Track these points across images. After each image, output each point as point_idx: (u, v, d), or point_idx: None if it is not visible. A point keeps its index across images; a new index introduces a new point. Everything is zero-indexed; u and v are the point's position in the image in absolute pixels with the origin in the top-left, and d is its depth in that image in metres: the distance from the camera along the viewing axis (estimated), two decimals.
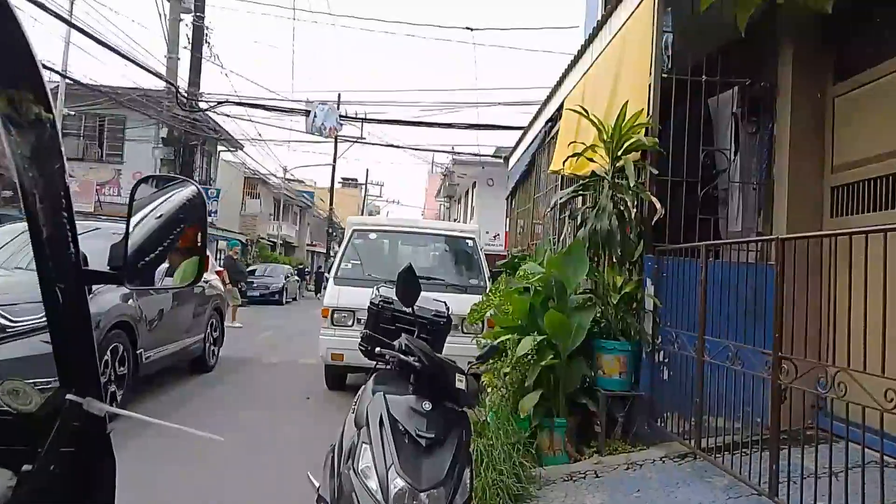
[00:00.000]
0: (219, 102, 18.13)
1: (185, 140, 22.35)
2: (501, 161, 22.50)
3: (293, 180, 41.33)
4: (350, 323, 7.87)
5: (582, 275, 4.99)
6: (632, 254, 5.11)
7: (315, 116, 16.10)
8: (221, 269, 19.92)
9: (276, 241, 38.25)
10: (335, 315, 7.89)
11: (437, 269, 8.46)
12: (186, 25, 21.40)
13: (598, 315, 5.04)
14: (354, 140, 44.52)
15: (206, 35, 21.00)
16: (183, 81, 22.94)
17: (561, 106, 8.61)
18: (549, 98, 9.60)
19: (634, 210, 5.07)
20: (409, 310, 3.49)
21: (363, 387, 3.18)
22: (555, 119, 9.12)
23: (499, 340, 4.88)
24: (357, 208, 75.02)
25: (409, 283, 3.11)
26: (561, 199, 5.44)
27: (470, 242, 8.63)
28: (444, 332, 3.98)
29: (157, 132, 22.37)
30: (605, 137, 5.24)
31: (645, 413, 4.89)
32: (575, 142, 5.73)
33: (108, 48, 14.74)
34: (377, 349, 2.95)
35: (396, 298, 3.65)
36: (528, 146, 11.28)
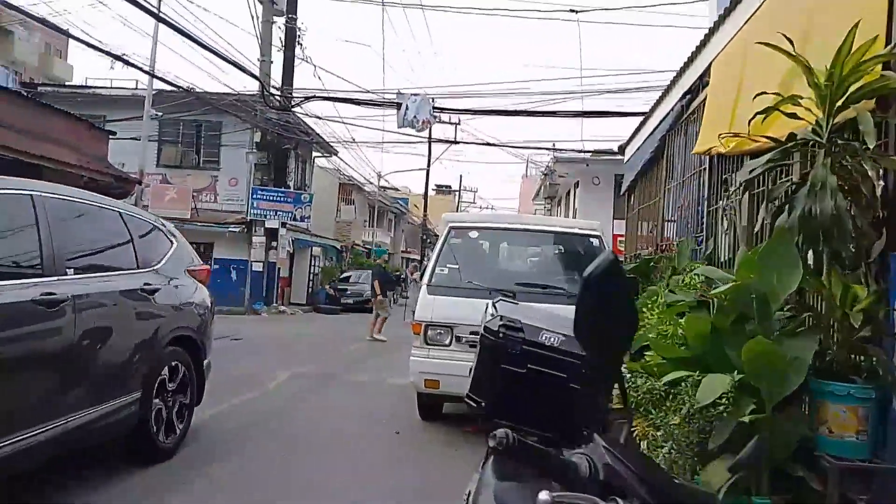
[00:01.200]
0: (307, 98, 17.29)
1: (278, 143, 21.84)
2: (607, 158, 20.62)
3: (388, 188, 40.72)
4: (447, 342, 6.43)
5: (793, 283, 3.30)
6: (868, 251, 3.37)
7: (407, 109, 14.94)
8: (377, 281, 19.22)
9: (370, 247, 37.67)
10: (429, 332, 6.48)
11: (553, 275, 6.91)
12: (279, 28, 20.88)
13: (819, 343, 3.33)
14: (450, 142, 43.66)
15: (299, 36, 20.33)
16: (275, 84, 22.49)
17: (704, 73, 6.85)
18: (686, 68, 7.83)
19: (875, 185, 3.33)
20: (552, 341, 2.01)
21: (477, 479, 1.73)
22: (695, 91, 7.37)
23: (667, 379, 3.29)
24: None
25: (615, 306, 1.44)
26: (752, 171, 3.73)
27: (595, 242, 7.00)
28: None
29: (251, 137, 21.96)
30: (817, 80, 3.51)
31: None
32: (764, 93, 4.02)
33: (200, 45, 14.12)
34: (508, 435, 1.35)
35: (528, 323, 2.16)
36: (654, 130, 9.49)
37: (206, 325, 5.87)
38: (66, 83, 29.82)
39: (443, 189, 68.42)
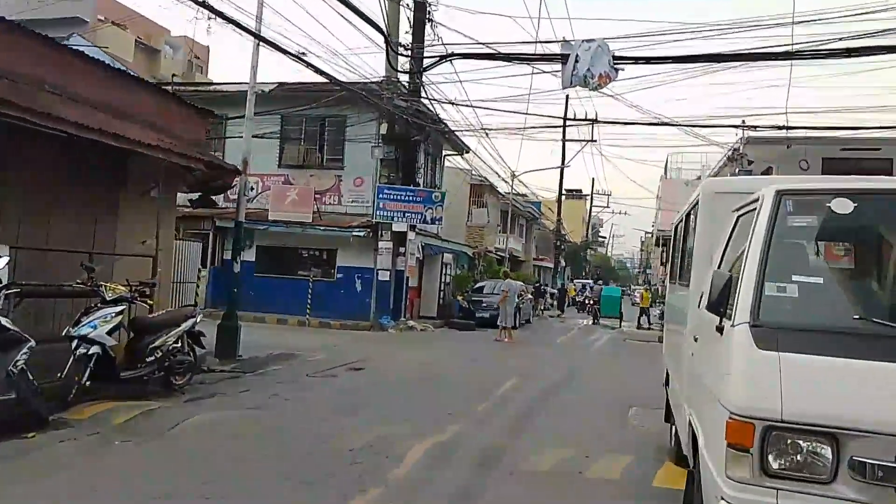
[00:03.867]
0: (442, 57, 13.79)
1: (406, 135, 18.60)
2: (816, 136, 15.70)
3: (518, 195, 36.83)
4: (824, 472, 2.49)
5: None
6: None
7: (577, 61, 11.02)
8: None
9: (503, 254, 33.97)
10: (776, 445, 2.56)
11: None
12: (406, 7, 17.66)
13: None
14: (586, 141, 39.21)
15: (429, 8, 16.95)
16: (404, 73, 19.36)
17: None
18: None
19: None
20: None
21: None
22: None
23: None
24: (581, 221, 69.25)
25: None
26: None
27: None
28: None
29: (377, 129, 18.86)
30: None
31: None
32: None
33: None
34: None
35: None
36: None
37: None
38: (190, 81, 28.31)
39: (573, 193, 63.57)
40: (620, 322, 26.43)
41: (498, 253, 33.49)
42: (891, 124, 17.10)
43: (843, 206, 3.03)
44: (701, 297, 4.18)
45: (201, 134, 11.28)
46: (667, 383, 6.44)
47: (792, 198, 3.14)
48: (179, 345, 8.15)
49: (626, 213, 66.40)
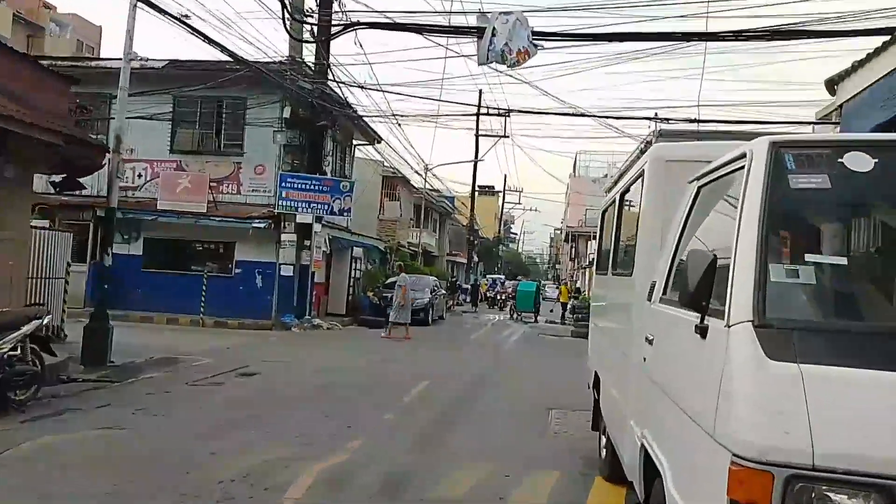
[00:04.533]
0: (347, 26, 12.59)
1: (311, 119, 17.27)
2: (728, 130, 15.66)
3: (433, 190, 35.96)
4: None
5: None
6: None
7: (494, 36, 10.10)
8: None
9: (416, 249, 33.03)
10: (798, 497, 1.70)
11: None
12: None
13: None
14: (500, 136, 38.87)
15: None
16: (309, 53, 18.04)
17: None
18: None
19: None
20: None
21: None
22: None
23: None
24: (494, 217, 69.35)
25: None
26: None
27: None
28: None
29: (280, 112, 17.42)
30: None
31: None
32: None
33: None
34: None
35: None
36: None
37: None
38: (67, 56, 25.47)
39: (486, 190, 63.46)
40: (536, 317, 26.20)
41: (411, 248, 32.54)
42: (801, 120, 17.33)
43: (860, 163, 2.22)
44: (652, 288, 3.34)
45: (62, 105, 9.67)
46: (595, 386, 5.66)
47: (792, 151, 2.31)
48: (19, 352, 6.67)
49: (536, 210, 67.13)
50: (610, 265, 5.07)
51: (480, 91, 35.85)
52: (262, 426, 6.53)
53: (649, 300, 3.32)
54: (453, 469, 5.36)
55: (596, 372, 5.63)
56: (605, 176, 51.96)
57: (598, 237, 6.57)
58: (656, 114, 16.39)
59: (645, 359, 3.18)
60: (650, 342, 3.11)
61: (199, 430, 6.19)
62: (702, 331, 2.21)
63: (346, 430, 6.52)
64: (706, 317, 2.21)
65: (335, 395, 8.44)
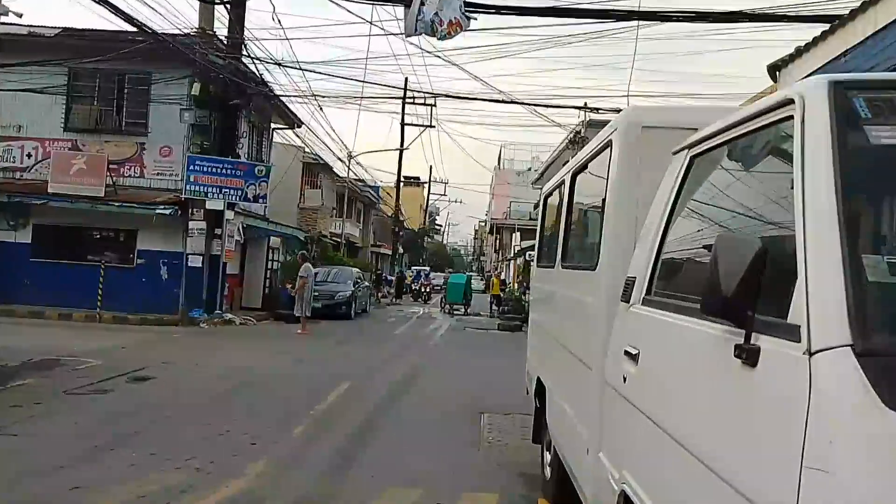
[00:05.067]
0: None
1: (223, 97, 15.91)
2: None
3: (358, 181, 34.73)
4: None
5: None
6: None
7: (423, 4, 9.20)
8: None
9: (339, 240, 31.81)
10: None
11: None
12: None
13: None
14: (425, 126, 38.05)
15: None
16: (221, 27, 16.63)
17: None
18: None
19: None
20: None
21: None
22: None
23: None
24: (419, 209, 68.57)
25: None
26: None
27: None
28: None
29: (189, 89, 15.95)
30: None
31: None
32: None
33: None
34: None
35: None
36: None
37: None
38: None
39: (412, 181, 62.58)
40: (466, 309, 25.72)
41: (333, 238, 31.30)
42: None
43: None
44: (629, 286, 2.61)
45: None
46: (538, 395, 4.96)
47: (863, 94, 1.60)
48: None
49: (461, 202, 66.96)
50: (559, 257, 4.35)
51: (406, 79, 34.91)
52: (149, 445, 5.49)
53: (626, 301, 2.59)
54: (374, 497, 4.53)
55: (539, 378, 4.92)
56: (529, 169, 52.19)
57: (539, 226, 5.86)
58: (585, 103, 15.99)
59: (625, 379, 2.44)
60: (633, 358, 2.38)
61: (66, 455, 5.09)
62: (749, 355, 1.46)
63: (250, 447, 5.57)
64: (751, 333, 1.47)
65: (240, 404, 7.41)
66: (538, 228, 5.86)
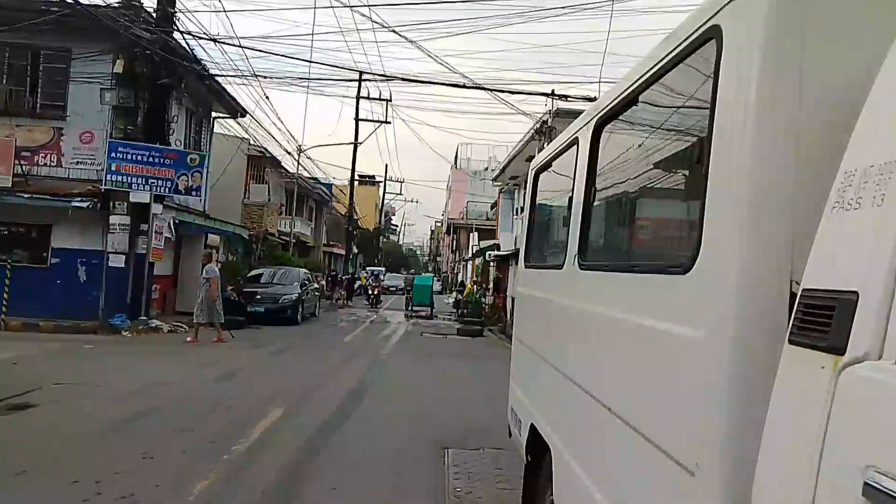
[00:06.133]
0: None
1: (151, 75, 14.01)
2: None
3: (311, 179, 32.81)
4: None
5: None
6: None
7: None
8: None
9: (288, 238, 29.87)
10: None
11: None
12: None
13: None
14: (380, 122, 36.35)
15: None
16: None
17: None
18: None
19: None
20: None
21: None
22: None
23: None
24: (374, 208, 66.63)
25: None
26: None
27: None
28: None
29: (112, 66, 13.99)
30: None
31: None
32: None
33: None
34: None
35: None
36: None
37: None
38: None
39: (367, 179, 60.68)
40: (431, 311, 24.34)
41: (282, 237, 29.34)
42: None
43: None
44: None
45: None
46: (531, 449, 3.48)
47: None
48: None
49: (417, 202, 65.44)
50: (572, 252, 2.87)
51: (361, 73, 33.04)
52: None
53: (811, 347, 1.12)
54: None
55: (533, 425, 3.43)
56: (486, 169, 51.01)
57: (527, 213, 4.37)
58: (553, 90, 14.67)
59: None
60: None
61: None
62: None
63: (149, 492, 3.94)
64: None
65: (133, 444, 5.65)
66: (527, 216, 4.37)
